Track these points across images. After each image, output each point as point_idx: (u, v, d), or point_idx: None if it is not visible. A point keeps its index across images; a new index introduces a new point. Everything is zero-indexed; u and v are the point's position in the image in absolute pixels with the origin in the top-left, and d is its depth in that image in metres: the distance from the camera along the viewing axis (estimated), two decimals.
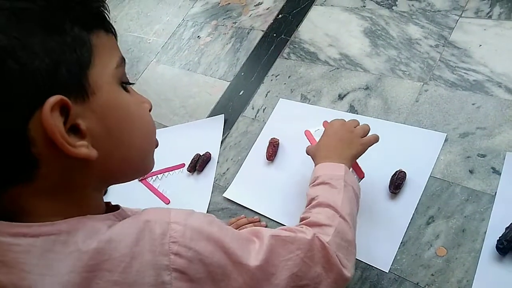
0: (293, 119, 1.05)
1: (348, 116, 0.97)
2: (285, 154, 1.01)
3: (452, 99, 0.88)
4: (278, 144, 1.02)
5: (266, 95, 1.15)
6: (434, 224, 0.77)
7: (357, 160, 0.81)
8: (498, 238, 0.69)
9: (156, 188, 1.14)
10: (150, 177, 1.16)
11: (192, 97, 1.31)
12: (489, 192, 0.75)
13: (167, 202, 1.09)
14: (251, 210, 0.97)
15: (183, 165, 1.14)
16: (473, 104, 0.85)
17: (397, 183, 0.82)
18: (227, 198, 1.02)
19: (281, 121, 1.07)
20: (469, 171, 0.79)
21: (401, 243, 0.78)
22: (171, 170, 1.15)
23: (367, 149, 0.77)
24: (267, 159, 1.01)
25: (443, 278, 0.71)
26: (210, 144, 1.14)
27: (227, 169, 1.08)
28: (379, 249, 0.79)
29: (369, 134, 0.78)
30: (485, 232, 0.72)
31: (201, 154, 1.11)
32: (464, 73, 0.90)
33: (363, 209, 0.82)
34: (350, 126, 0.79)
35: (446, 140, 0.84)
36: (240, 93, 1.20)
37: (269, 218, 0.93)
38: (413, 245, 0.77)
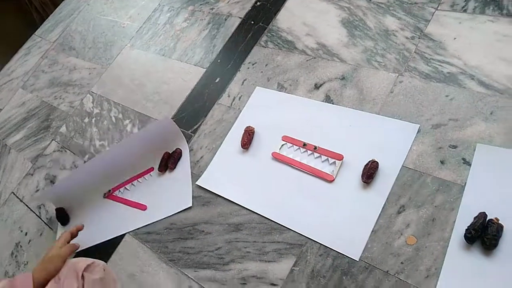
0: (269, 108, 1.04)
1: (324, 106, 0.98)
2: (260, 143, 1.00)
3: (426, 90, 0.89)
4: (253, 133, 1.01)
5: (243, 83, 1.13)
6: (405, 213, 0.78)
7: (328, 158, 0.84)
8: (466, 228, 0.70)
9: (127, 198, 1.10)
10: (118, 190, 1.13)
11: (167, 83, 1.28)
12: (459, 182, 0.77)
13: (144, 208, 1.06)
14: (224, 198, 0.96)
15: (151, 169, 1.11)
16: (446, 96, 0.87)
17: (369, 172, 0.82)
18: (201, 186, 1.01)
19: (257, 110, 1.06)
20: (441, 161, 0.80)
21: (372, 231, 0.78)
22: (140, 177, 1.12)
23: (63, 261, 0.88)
24: (242, 147, 1.00)
25: (412, 266, 0.73)
26: (177, 141, 1.12)
27: (201, 157, 1.06)
28: (350, 237, 0.79)
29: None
30: (454, 222, 0.73)
31: (171, 152, 1.09)
32: (439, 65, 0.91)
33: (334, 198, 0.83)
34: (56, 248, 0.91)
35: (418, 131, 0.84)
36: (216, 81, 1.18)
37: (242, 206, 0.93)
38: (384, 233, 0.77)
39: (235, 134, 1.04)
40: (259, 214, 0.90)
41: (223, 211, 0.95)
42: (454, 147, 0.80)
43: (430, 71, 0.91)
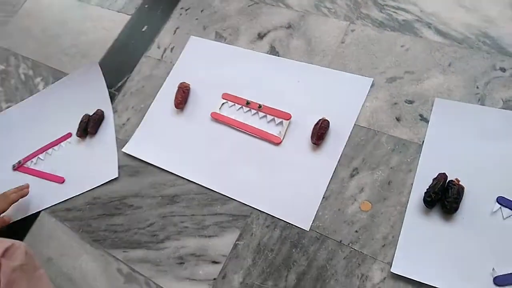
0: (207, 61, 0.90)
1: (269, 59, 0.85)
2: (197, 102, 0.87)
3: (380, 40, 0.80)
4: (188, 90, 0.87)
5: (175, 32, 0.98)
6: (358, 176, 0.70)
7: (274, 118, 0.72)
8: (425, 190, 0.64)
9: (41, 170, 0.93)
10: (30, 161, 0.95)
11: (85, 33, 1.09)
12: (416, 141, 0.70)
13: (61, 180, 0.89)
14: (156, 167, 0.83)
15: (69, 134, 0.94)
16: (401, 46, 0.78)
17: (319, 133, 0.73)
18: (128, 154, 0.86)
19: (193, 63, 0.91)
20: (396, 118, 0.72)
21: (323, 198, 0.70)
22: (55, 145, 0.95)
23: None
24: (175, 107, 0.86)
25: (367, 234, 0.66)
26: (97, 100, 0.95)
27: (128, 119, 0.91)
28: (299, 205, 0.70)
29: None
30: (412, 184, 0.66)
31: (91, 114, 0.92)
32: (393, 12, 0.82)
33: (282, 163, 0.74)
34: None
35: (372, 85, 0.76)
36: (143, 29, 1.01)
37: (177, 176, 0.80)
38: (336, 199, 0.69)
39: (167, 92, 0.89)
40: (198, 184, 0.78)
41: (155, 181, 0.82)
42: (411, 102, 0.73)
43: (384, 19, 0.82)
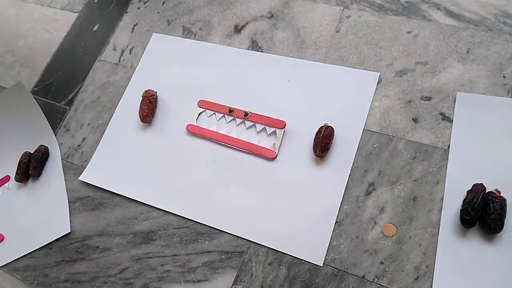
0: (175, 62, 0.73)
1: (251, 56, 0.69)
2: (168, 113, 0.69)
3: (381, 26, 0.67)
4: (156, 99, 0.70)
5: (133, 29, 0.80)
6: (376, 193, 0.57)
7: (265, 127, 0.61)
8: (462, 207, 0.51)
9: None
10: None
11: (24, 37, 0.88)
12: (440, 145, 0.57)
13: (0, 239, 0.70)
14: (123, 197, 0.65)
15: (7, 178, 0.74)
16: (408, 32, 0.65)
17: (324, 142, 0.59)
18: (86, 182, 0.69)
19: (158, 66, 0.74)
20: (413, 119, 0.59)
21: (335, 223, 0.56)
22: None
23: None
24: (141, 120, 0.68)
25: (395, 265, 0.52)
26: (37, 133, 0.75)
27: (83, 139, 0.73)
28: (308, 235, 0.56)
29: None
30: (442, 199, 0.54)
31: (32, 152, 0.72)
32: None
33: (280, 182, 0.59)
34: None
35: (379, 81, 0.62)
36: (94, 29, 0.82)
37: (150, 206, 0.63)
38: (352, 224, 0.56)
39: (130, 103, 0.72)
40: (177, 215, 0.62)
41: (124, 215, 0.65)
42: (428, 99, 0.60)
43: (383, 1, 0.68)
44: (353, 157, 0.58)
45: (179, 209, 0.62)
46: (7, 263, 0.67)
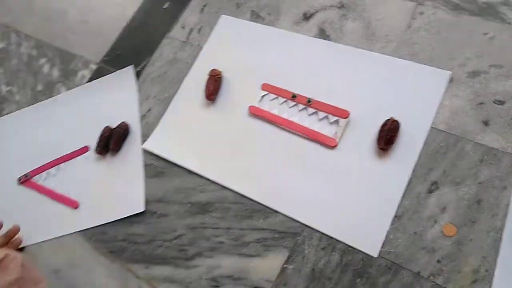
0: (242, 45, 0.72)
1: (319, 44, 0.67)
2: (231, 93, 0.68)
3: (456, 26, 0.63)
4: (221, 78, 0.69)
5: (202, 9, 0.78)
6: (439, 192, 0.54)
7: (328, 115, 0.58)
8: None
9: (52, 189, 0.73)
10: (39, 175, 0.75)
11: (96, 9, 0.89)
12: (510, 151, 0.53)
13: (75, 206, 0.70)
14: (183, 168, 0.65)
15: (86, 148, 0.74)
16: (484, 34, 0.61)
17: (388, 136, 0.56)
18: (149, 151, 0.69)
19: (224, 47, 0.73)
20: (483, 122, 0.56)
21: (394, 217, 0.53)
22: (70, 159, 0.74)
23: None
24: (206, 98, 0.68)
25: (453, 266, 0.50)
26: (124, 111, 0.74)
27: (148, 110, 0.73)
28: (364, 225, 0.54)
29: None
30: (508, 205, 0.51)
31: (114, 127, 0.72)
32: None
33: (339, 171, 0.57)
34: None
35: (451, 80, 0.58)
36: (165, 6, 0.81)
37: (209, 180, 0.63)
38: (411, 220, 0.53)
39: (196, 80, 0.71)
40: (234, 191, 0.62)
41: (183, 185, 0.65)
42: (501, 102, 0.56)
43: (460, 0, 0.64)
44: (418, 154, 0.56)
45: (236, 185, 0.62)
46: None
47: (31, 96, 0.84)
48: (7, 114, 0.85)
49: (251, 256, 0.58)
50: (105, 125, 0.72)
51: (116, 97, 0.76)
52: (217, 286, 0.57)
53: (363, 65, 0.63)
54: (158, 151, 0.68)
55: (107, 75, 0.79)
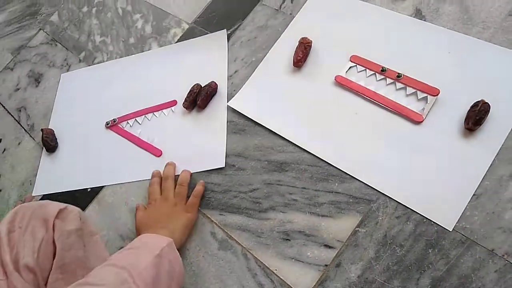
0: (335, 17, 0.76)
1: (413, 22, 0.70)
2: (319, 61, 0.74)
3: None
4: (310, 46, 0.74)
5: None
6: None
7: (417, 91, 0.62)
8: None
9: (137, 136, 0.81)
10: (125, 122, 0.84)
11: None
12: None
13: (159, 154, 0.78)
14: (264, 128, 0.71)
15: (174, 102, 0.82)
16: None
17: (478, 117, 0.59)
18: (233, 109, 0.76)
19: (317, 17, 0.78)
20: None
21: (473, 195, 0.57)
22: (157, 110, 0.82)
23: (197, 210, 0.70)
24: (294, 64, 0.74)
25: None
26: (213, 70, 0.81)
27: (235, 71, 0.80)
28: (442, 199, 0.58)
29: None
30: None
31: (203, 85, 0.79)
32: None
33: (422, 145, 0.61)
34: (170, 201, 0.71)
35: None
36: None
37: (288, 141, 0.69)
38: (490, 200, 0.56)
39: (284, 47, 0.77)
40: (312, 154, 0.67)
41: (262, 144, 0.71)
42: None
43: None
44: (505, 138, 0.58)
45: (315, 148, 0.67)
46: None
47: (123, 47, 0.94)
48: (99, 62, 0.96)
49: (323, 216, 0.63)
50: (195, 83, 0.79)
51: (208, 58, 0.83)
52: (288, 239, 0.63)
53: (457, 47, 0.66)
54: (242, 110, 0.74)
55: (201, 36, 0.86)
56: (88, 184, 0.81)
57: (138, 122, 0.83)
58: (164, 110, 0.82)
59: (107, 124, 0.85)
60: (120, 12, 0.99)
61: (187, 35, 0.88)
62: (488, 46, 0.65)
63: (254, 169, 0.70)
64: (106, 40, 0.97)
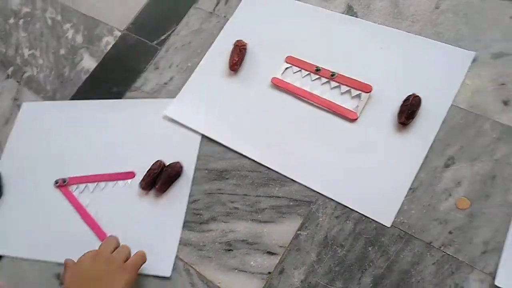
0: (268, 18, 0.77)
1: (345, 20, 0.72)
2: (255, 64, 0.74)
3: (483, 8, 0.67)
4: (246, 49, 0.75)
5: None
6: (455, 167, 0.58)
7: (350, 89, 0.64)
8: None
9: (85, 207, 0.72)
10: (76, 185, 0.74)
11: None
12: None
13: (102, 237, 0.69)
14: (203, 136, 0.71)
15: (131, 174, 0.73)
16: (510, 17, 0.66)
17: (410, 111, 0.61)
18: (169, 117, 0.75)
19: (251, 19, 0.78)
20: (503, 102, 0.60)
21: (409, 189, 0.58)
22: (112, 180, 0.73)
23: (137, 272, 0.60)
24: (230, 68, 0.74)
25: (464, 237, 0.54)
26: (181, 148, 0.72)
27: (170, 78, 0.79)
28: (380, 196, 0.59)
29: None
30: None
31: (166, 164, 0.70)
32: None
33: (357, 143, 0.62)
34: (105, 255, 0.60)
35: (474, 60, 0.63)
36: None
37: (227, 148, 0.68)
38: (426, 192, 0.58)
39: (220, 50, 0.77)
40: (251, 159, 0.67)
41: (201, 152, 0.70)
42: None
43: None
44: (437, 130, 0.60)
45: (254, 154, 0.67)
46: None
47: (54, 59, 0.91)
48: (28, 77, 0.92)
49: (265, 222, 0.63)
50: (158, 158, 0.70)
51: (179, 131, 0.73)
52: (230, 250, 0.63)
53: (388, 42, 0.68)
54: (179, 118, 0.73)
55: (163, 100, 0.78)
56: (28, 255, 0.71)
57: (89, 190, 0.73)
58: (119, 182, 0.72)
59: (56, 182, 0.75)
60: (50, 23, 0.96)
61: (119, 43, 0.87)
62: (418, 40, 0.67)
63: (194, 180, 0.69)
64: (36, 53, 0.94)
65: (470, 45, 0.65)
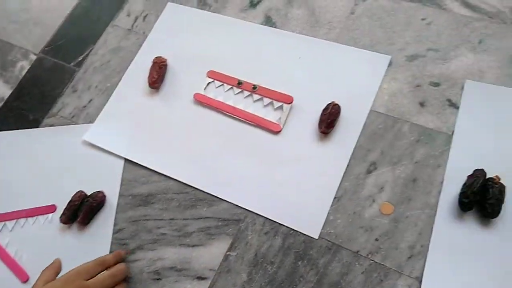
0: (188, 32, 0.76)
1: (264, 31, 0.72)
2: (176, 80, 0.73)
3: (396, 12, 0.70)
4: (165, 65, 0.73)
5: None
6: (377, 172, 0.59)
7: (272, 101, 0.63)
8: (461, 191, 0.54)
9: (4, 248, 0.67)
10: None
11: None
12: (445, 130, 0.59)
13: (25, 279, 0.64)
14: (125, 160, 0.68)
15: (53, 208, 0.68)
16: (422, 19, 0.68)
17: (329, 120, 0.61)
18: (89, 142, 0.72)
19: (170, 34, 0.77)
20: (420, 103, 0.62)
21: (334, 198, 0.59)
22: (32, 215, 0.68)
23: None
24: (150, 86, 0.71)
25: (390, 243, 0.55)
26: (104, 176, 0.69)
27: (90, 100, 0.76)
28: (306, 208, 0.59)
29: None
30: (442, 183, 0.56)
31: (88, 195, 0.67)
32: None
33: (282, 155, 0.62)
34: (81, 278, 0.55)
35: (390, 64, 0.65)
36: None
37: (151, 170, 0.66)
38: (350, 200, 0.59)
39: (139, 68, 0.75)
40: (177, 181, 0.65)
41: (124, 177, 0.68)
42: (436, 84, 0.63)
43: None
44: (358, 136, 0.61)
45: (180, 175, 0.65)
46: None
47: None
48: None
49: (194, 245, 0.61)
50: (79, 189, 0.67)
51: (100, 158, 0.70)
52: (159, 279, 0.60)
53: (306, 52, 0.69)
54: (98, 143, 0.70)
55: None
56: None
57: (8, 228, 0.69)
58: (40, 217, 0.68)
59: None
60: None
61: (35, 67, 0.82)
62: (335, 47, 0.68)
63: (118, 207, 0.66)
64: None
65: (385, 49, 0.66)
